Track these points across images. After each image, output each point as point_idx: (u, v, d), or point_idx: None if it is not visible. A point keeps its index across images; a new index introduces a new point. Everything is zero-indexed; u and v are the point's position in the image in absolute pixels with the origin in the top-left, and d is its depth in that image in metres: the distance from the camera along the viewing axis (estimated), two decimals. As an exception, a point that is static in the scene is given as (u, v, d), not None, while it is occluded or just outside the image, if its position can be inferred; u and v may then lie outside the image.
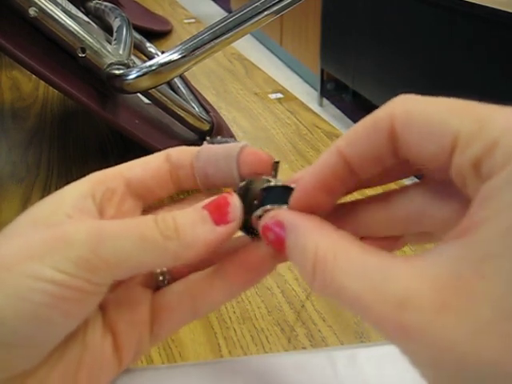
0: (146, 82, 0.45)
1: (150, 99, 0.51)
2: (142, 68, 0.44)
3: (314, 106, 2.83)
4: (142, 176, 0.24)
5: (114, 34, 0.55)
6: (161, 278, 0.25)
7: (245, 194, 0.22)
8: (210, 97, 0.71)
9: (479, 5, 1.56)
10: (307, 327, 0.35)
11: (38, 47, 0.44)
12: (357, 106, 2.84)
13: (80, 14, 0.54)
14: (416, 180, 0.22)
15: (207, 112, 0.58)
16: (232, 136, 0.60)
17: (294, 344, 0.34)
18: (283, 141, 0.61)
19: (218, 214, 0.21)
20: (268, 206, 0.22)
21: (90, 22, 0.57)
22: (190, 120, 0.53)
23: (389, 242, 0.22)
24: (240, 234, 0.23)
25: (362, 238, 0.22)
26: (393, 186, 0.23)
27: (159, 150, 0.45)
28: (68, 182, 0.23)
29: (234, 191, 0.22)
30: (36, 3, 0.44)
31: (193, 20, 1.14)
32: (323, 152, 0.20)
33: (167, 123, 0.54)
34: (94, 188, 0.22)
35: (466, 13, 1.63)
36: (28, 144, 0.60)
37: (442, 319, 0.15)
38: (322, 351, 0.26)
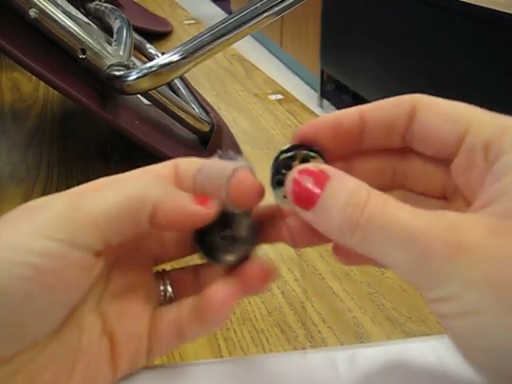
0: (146, 83, 0.45)
1: (150, 100, 0.51)
2: (142, 69, 0.44)
3: (314, 107, 2.83)
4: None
5: (114, 36, 0.55)
6: (162, 293, 0.25)
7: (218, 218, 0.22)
8: (210, 98, 0.71)
9: (478, 5, 1.56)
10: (307, 328, 0.35)
11: (39, 48, 0.44)
12: (357, 107, 2.83)
13: (80, 15, 0.54)
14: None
15: (207, 113, 0.58)
16: (232, 139, 0.60)
17: (294, 345, 0.34)
18: (283, 142, 0.61)
19: (202, 200, 0.22)
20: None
21: (90, 23, 0.57)
22: (190, 121, 0.53)
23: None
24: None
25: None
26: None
27: (159, 150, 0.46)
28: (68, 183, 0.23)
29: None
30: (36, 4, 0.44)
31: (193, 21, 1.14)
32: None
33: (167, 124, 0.54)
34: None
35: (466, 13, 1.64)
36: (28, 145, 0.60)
37: (496, 239, 0.17)
38: (322, 351, 0.26)
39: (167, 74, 0.44)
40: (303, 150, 0.22)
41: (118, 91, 0.46)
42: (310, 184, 0.20)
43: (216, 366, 0.26)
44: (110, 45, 0.52)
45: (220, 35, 0.44)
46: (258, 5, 0.44)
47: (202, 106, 0.60)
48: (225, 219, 0.23)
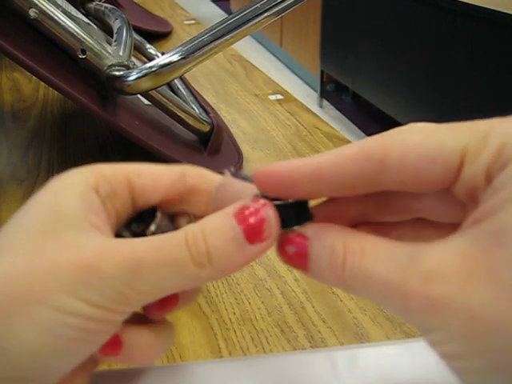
0: (146, 84, 0.45)
1: (150, 100, 0.51)
2: (142, 69, 0.44)
3: (314, 108, 2.83)
4: (151, 189, 0.22)
5: (114, 36, 0.55)
6: None
7: None
8: (209, 98, 0.71)
9: (478, 6, 1.56)
10: (307, 328, 0.35)
11: (38, 48, 0.44)
12: (356, 108, 2.84)
13: (80, 16, 0.54)
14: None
15: (207, 113, 0.58)
16: (232, 139, 0.60)
17: (294, 345, 0.34)
18: (283, 142, 0.61)
19: (253, 233, 0.19)
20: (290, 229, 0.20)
21: (90, 23, 0.57)
22: (190, 121, 0.53)
23: (384, 228, 0.22)
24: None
25: (358, 226, 0.23)
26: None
27: (159, 151, 0.46)
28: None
29: None
30: (36, 5, 0.44)
31: (193, 21, 1.14)
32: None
33: (167, 124, 0.54)
34: (98, 183, 0.21)
35: (466, 14, 1.64)
36: (28, 145, 0.60)
37: (468, 287, 0.16)
38: (322, 351, 0.26)
39: (167, 75, 0.44)
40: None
41: (117, 91, 0.46)
42: (294, 252, 0.20)
43: (216, 365, 0.26)
44: (110, 45, 0.52)
45: (220, 35, 0.44)
46: (257, 5, 0.44)
47: (201, 107, 0.60)
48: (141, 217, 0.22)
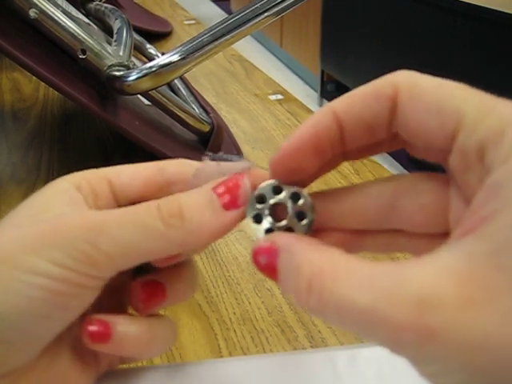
0: (146, 84, 0.45)
1: (150, 101, 0.51)
2: (142, 69, 0.44)
3: (314, 107, 2.83)
4: (129, 186, 0.22)
5: (115, 36, 0.55)
6: None
7: None
8: (210, 98, 0.71)
9: (479, 6, 1.56)
10: (307, 328, 0.35)
11: (39, 49, 0.44)
12: (357, 107, 2.83)
13: (80, 16, 0.54)
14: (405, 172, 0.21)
15: (207, 113, 0.58)
16: (232, 139, 0.60)
17: (294, 345, 0.34)
18: (283, 142, 0.61)
19: (228, 198, 0.20)
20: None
21: (91, 23, 0.57)
22: (191, 121, 0.53)
23: (357, 236, 0.21)
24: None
25: (330, 231, 0.21)
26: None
27: (159, 151, 0.46)
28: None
29: None
30: (36, 5, 0.44)
31: (193, 21, 1.14)
32: (315, 112, 0.19)
33: (167, 124, 0.54)
34: (80, 185, 0.22)
35: (467, 14, 1.64)
36: (28, 145, 0.60)
37: (469, 314, 0.14)
38: (322, 351, 0.26)
39: (167, 75, 0.44)
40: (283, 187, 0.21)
41: (118, 91, 0.46)
42: (264, 261, 0.19)
43: (216, 365, 0.26)
44: (110, 45, 0.52)
45: (220, 35, 0.44)
46: (257, 5, 0.44)
47: (202, 106, 0.60)
48: None
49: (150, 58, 0.75)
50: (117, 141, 0.61)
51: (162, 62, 0.44)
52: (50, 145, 0.60)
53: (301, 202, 0.20)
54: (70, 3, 0.52)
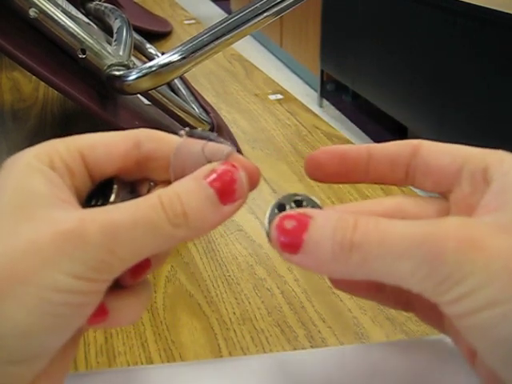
0: (146, 83, 0.45)
1: (150, 100, 0.51)
2: (142, 69, 0.44)
3: (314, 107, 2.83)
4: (105, 161, 0.22)
5: (114, 35, 0.55)
6: None
7: None
8: (210, 98, 0.71)
9: (479, 6, 1.56)
10: (307, 328, 0.35)
11: (38, 48, 0.44)
12: (357, 107, 2.84)
13: (80, 15, 0.54)
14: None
15: (207, 113, 0.58)
16: (232, 139, 0.60)
17: (294, 345, 0.34)
18: (283, 142, 0.61)
19: (225, 193, 0.20)
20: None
21: (90, 23, 0.57)
22: (190, 121, 0.53)
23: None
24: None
25: None
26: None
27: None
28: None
29: None
30: (36, 4, 0.44)
31: (193, 21, 1.14)
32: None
33: (167, 124, 0.54)
34: (53, 161, 0.21)
35: (467, 14, 1.64)
36: (28, 145, 0.59)
37: (506, 235, 0.17)
38: (322, 351, 0.26)
39: (167, 74, 0.44)
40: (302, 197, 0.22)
41: (117, 91, 0.46)
42: (292, 227, 0.19)
43: (216, 365, 0.26)
44: (110, 45, 0.52)
45: (220, 35, 0.44)
46: (257, 5, 0.44)
47: (202, 106, 0.60)
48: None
49: (150, 58, 0.75)
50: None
51: (161, 62, 0.44)
52: (50, 144, 0.60)
53: None
54: (70, 3, 0.52)
